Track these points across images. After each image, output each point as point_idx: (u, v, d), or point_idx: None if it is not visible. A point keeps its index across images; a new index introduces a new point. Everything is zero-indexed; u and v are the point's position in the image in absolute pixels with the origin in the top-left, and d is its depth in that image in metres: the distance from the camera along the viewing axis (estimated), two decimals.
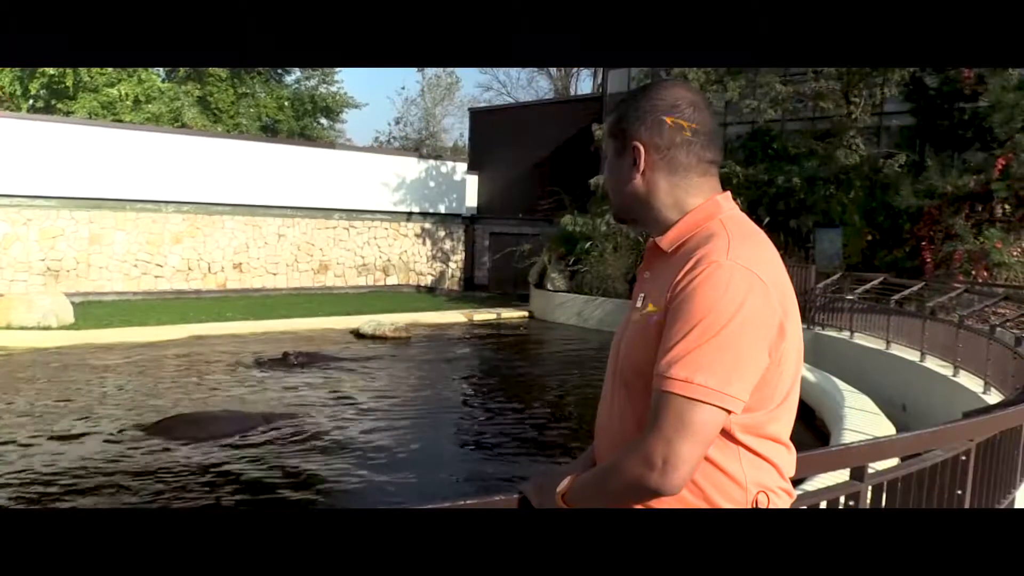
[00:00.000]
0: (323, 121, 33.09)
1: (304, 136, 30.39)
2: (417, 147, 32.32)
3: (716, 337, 1.24)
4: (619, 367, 1.44)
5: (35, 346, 12.94)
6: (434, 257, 24.71)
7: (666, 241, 1.42)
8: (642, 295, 1.44)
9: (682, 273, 1.30)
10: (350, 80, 60.10)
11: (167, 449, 7.80)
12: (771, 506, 1.35)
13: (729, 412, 1.26)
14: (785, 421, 1.39)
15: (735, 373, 1.24)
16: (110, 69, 24.35)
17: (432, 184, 24.70)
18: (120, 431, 8.44)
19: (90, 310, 15.81)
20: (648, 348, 1.33)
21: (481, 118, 27.58)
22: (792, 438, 1.43)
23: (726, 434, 1.32)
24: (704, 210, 1.42)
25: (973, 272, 13.12)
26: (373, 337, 15.23)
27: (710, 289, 1.26)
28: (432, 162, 25.20)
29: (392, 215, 23.68)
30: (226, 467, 7.39)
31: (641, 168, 1.45)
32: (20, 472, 7.11)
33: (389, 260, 23.69)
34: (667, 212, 1.44)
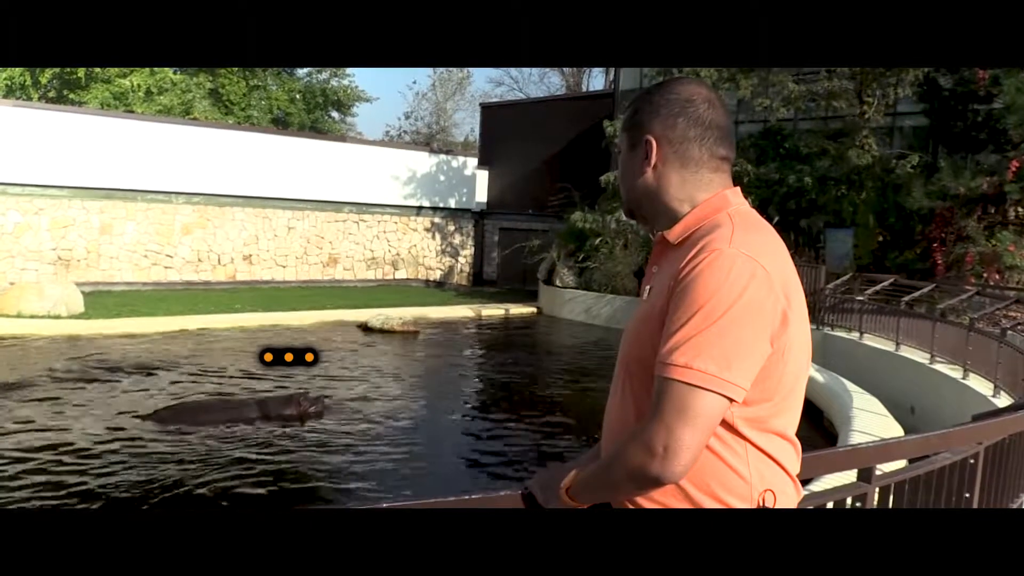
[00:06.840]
0: (334, 114, 33.18)
1: (315, 129, 30.45)
2: (428, 141, 32.39)
3: (716, 323, 1.23)
4: (625, 357, 1.44)
5: (45, 334, 13.02)
6: (443, 252, 24.72)
7: (674, 233, 1.42)
8: (648, 287, 1.44)
9: (685, 261, 1.30)
10: (361, 74, 60.37)
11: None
12: (777, 504, 1.33)
13: (731, 400, 1.24)
14: (791, 416, 1.38)
15: (735, 359, 1.23)
16: None
17: (442, 178, 24.69)
18: None
19: (100, 300, 15.89)
20: (652, 337, 1.32)
21: (492, 113, 27.53)
22: (800, 438, 1.42)
23: (731, 429, 1.31)
24: (712, 204, 1.41)
25: (984, 275, 13.03)
26: (381, 331, 15.22)
27: (711, 276, 1.26)
28: (442, 156, 25.20)
29: (402, 209, 23.70)
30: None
31: (653, 162, 1.44)
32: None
33: (398, 254, 23.72)
34: (677, 206, 1.44)
